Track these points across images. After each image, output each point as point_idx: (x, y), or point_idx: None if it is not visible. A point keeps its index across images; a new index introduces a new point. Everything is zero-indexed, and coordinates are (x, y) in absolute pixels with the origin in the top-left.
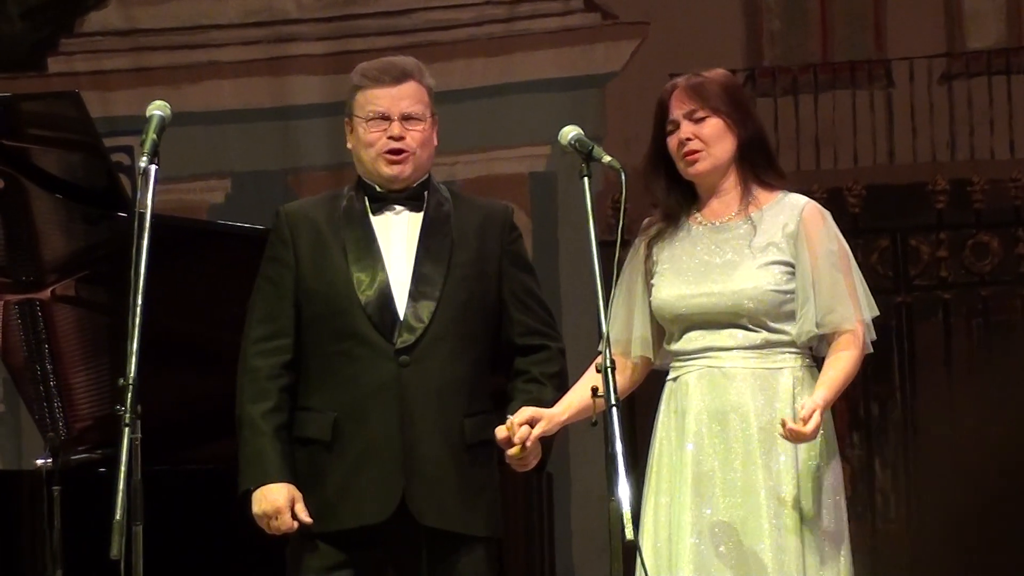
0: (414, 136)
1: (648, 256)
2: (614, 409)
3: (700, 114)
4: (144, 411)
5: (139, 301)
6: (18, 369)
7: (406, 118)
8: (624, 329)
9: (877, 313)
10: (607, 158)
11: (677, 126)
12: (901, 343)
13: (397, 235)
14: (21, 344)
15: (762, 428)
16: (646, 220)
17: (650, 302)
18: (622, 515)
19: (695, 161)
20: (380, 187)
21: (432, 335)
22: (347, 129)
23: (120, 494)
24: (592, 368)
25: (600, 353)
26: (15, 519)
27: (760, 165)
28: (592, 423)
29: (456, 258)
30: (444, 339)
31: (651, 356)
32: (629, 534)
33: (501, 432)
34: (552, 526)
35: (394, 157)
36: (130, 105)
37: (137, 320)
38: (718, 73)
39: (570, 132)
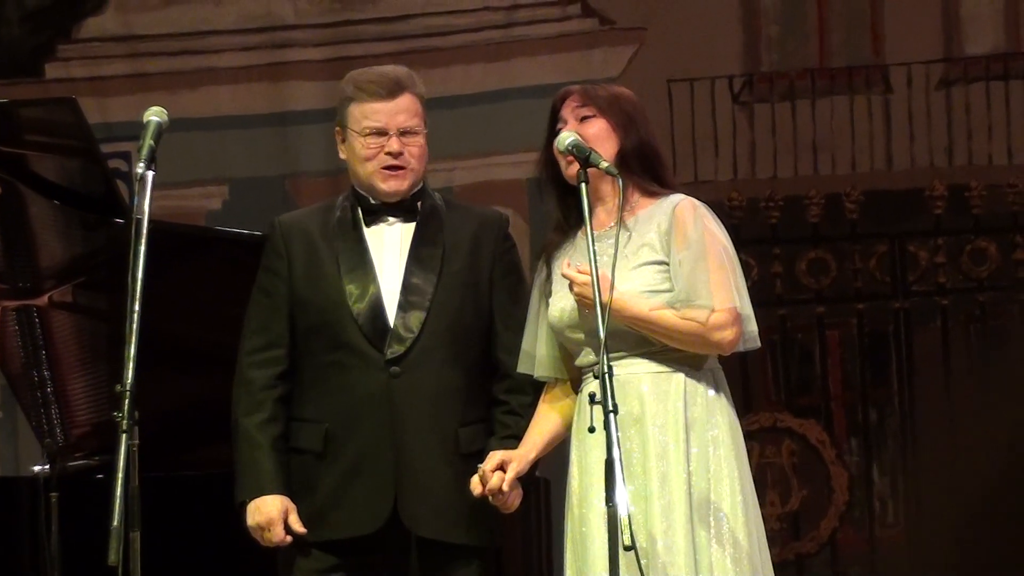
0: (412, 151)
1: (548, 275)
2: (611, 415)
3: (586, 113)
4: (141, 417)
5: (136, 307)
6: (15, 375)
7: (404, 132)
8: (531, 349)
9: (749, 312)
10: (604, 163)
11: (564, 124)
12: (899, 349)
13: (390, 246)
14: (18, 350)
15: (658, 428)
16: (546, 237)
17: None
18: (620, 520)
19: (572, 162)
20: (374, 199)
21: (422, 345)
22: (338, 138)
23: (118, 500)
24: (543, 401)
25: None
26: (13, 526)
27: (642, 174)
28: (590, 429)
29: (447, 267)
30: (435, 348)
31: (562, 377)
32: (627, 540)
33: (477, 488)
34: (550, 532)
35: (392, 173)
36: (128, 111)
37: (134, 326)
38: (613, 85)
39: (567, 138)
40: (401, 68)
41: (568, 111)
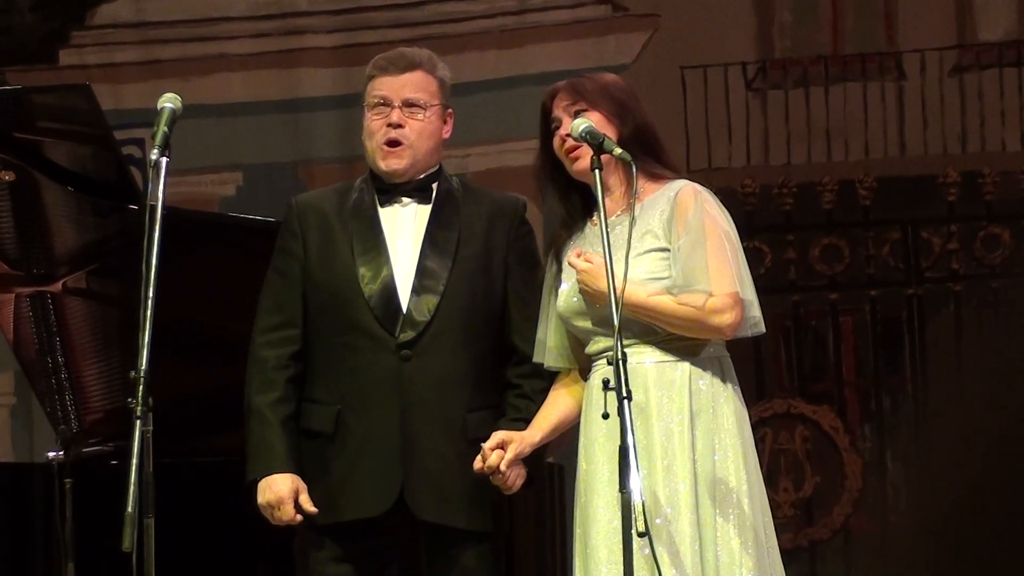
0: (413, 125)
1: (558, 270)
2: (626, 401)
3: (579, 107)
4: (156, 403)
5: (150, 294)
6: (30, 362)
7: (407, 104)
8: (543, 338)
9: (752, 297)
10: (618, 150)
11: (559, 124)
12: (912, 335)
13: (404, 228)
14: (33, 337)
15: (663, 418)
16: (553, 232)
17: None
18: (634, 507)
19: (577, 158)
20: (387, 180)
21: (435, 330)
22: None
23: (132, 486)
24: (555, 387)
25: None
26: (27, 512)
27: (645, 157)
28: (604, 415)
29: (462, 251)
30: (447, 334)
31: (571, 367)
32: (641, 526)
33: (477, 465)
34: (563, 517)
35: (390, 149)
36: (141, 98)
37: (148, 313)
38: (600, 74)
39: (581, 124)
40: (422, 50)
41: (560, 109)
